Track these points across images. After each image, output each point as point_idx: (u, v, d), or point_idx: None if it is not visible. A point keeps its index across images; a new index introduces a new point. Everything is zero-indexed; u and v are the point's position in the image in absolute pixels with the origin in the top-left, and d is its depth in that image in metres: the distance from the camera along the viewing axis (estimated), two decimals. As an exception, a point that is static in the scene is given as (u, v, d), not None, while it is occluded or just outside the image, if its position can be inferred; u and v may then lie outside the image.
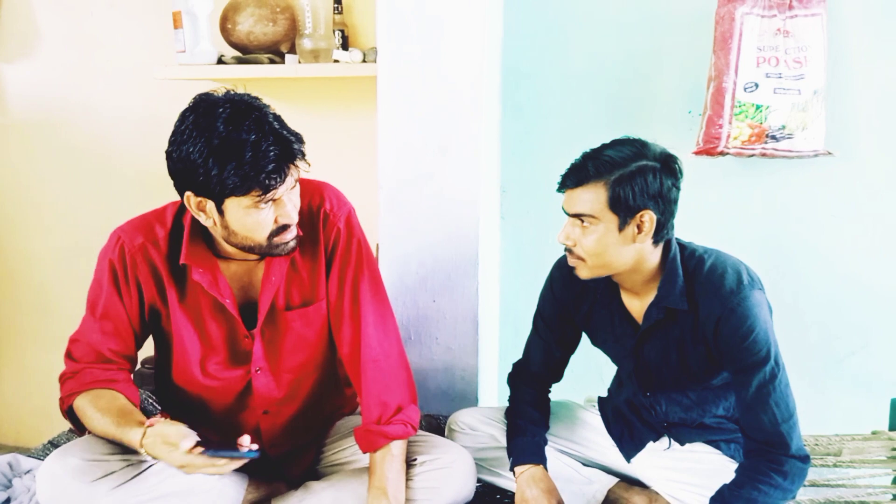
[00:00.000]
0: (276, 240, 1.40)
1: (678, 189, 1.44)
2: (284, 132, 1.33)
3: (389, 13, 1.92)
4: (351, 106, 2.32)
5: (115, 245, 1.50)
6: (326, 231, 1.54)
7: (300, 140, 1.36)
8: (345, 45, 2.21)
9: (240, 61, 2.18)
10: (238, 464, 1.35)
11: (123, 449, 1.43)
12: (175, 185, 1.39)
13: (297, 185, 1.41)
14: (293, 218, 1.40)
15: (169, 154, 1.36)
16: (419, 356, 2.07)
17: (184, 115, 1.35)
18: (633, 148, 1.42)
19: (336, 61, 2.13)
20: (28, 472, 1.65)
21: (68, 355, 1.53)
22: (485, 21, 1.90)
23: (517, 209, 2.35)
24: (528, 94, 2.27)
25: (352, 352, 1.57)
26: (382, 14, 1.92)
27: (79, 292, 2.70)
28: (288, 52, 2.20)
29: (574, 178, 1.43)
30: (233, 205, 1.34)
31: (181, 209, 1.51)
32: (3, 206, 2.80)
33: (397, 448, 1.54)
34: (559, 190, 1.47)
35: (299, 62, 2.15)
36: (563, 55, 2.24)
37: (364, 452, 1.57)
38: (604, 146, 1.44)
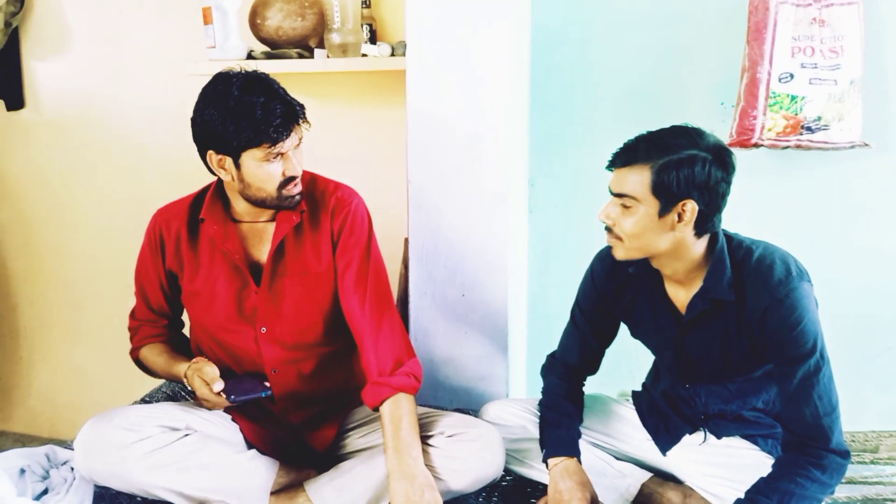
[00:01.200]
0: (285, 191, 1.60)
1: (728, 183, 1.42)
2: (289, 98, 1.57)
3: (418, 7, 1.92)
4: (379, 100, 2.31)
5: (151, 220, 1.76)
6: (335, 213, 1.70)
7: (302, 106, 1.58)
8: (373, 39, 2.21)
9: (269, 56, 2.18)
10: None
11: (159, 417, 1.60)
12: (198, 148, 1.61)
13: (301, 145, 1.61)
14: (298, 171, 1.60)
15: (193, 120, 1.59)
16: (448, 350, 2.06)
17: (205, 88, 1.58)
18: (687, 136, 1.40)
19: (364, 55, 2.13)
20: (65, 463, 1.67)
21: (131, 314, 1.84)
22: (514, 14, 1.89)
23: (545, 202, 2.34)
24: (556, 87, 2.26)
25: (356, 322, 1.69)
26: (411, 8, 1.92)
27: (109, 288, 2.77)
28: (316, 47, 2.20)
29: (624, 157, 1.43)
30: (247, 158, 1.55)
31: (207, 187, 1.74)
32: (35, 203, 2.84)
33: (404, 407, 1.59)
34: (608, 167, 1.47)
35: (328, 57, 2.15)
36: (592, 48, 2.22)
37: (371, 409, 1.63)
38: (661, 130, 1.43)
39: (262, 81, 1.55)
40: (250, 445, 1.69)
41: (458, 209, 1.99)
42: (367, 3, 2.22)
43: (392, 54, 2.11)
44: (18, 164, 2.82)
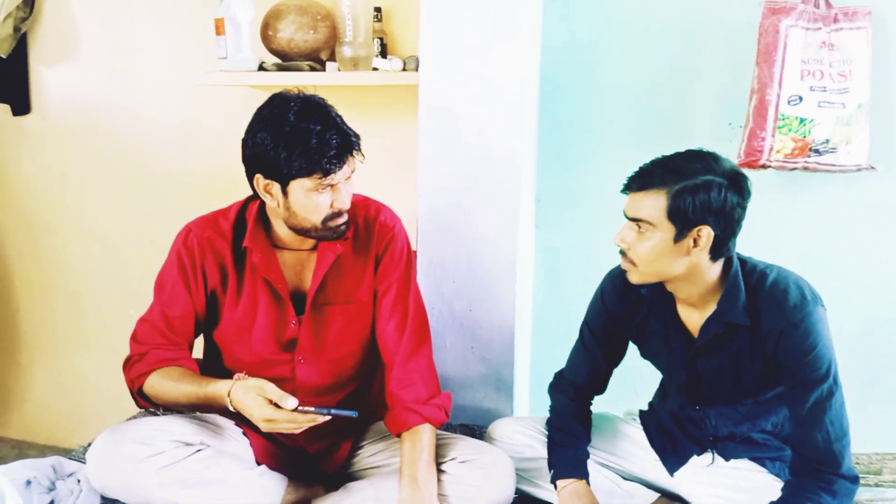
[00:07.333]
0: (330, 223, 1.55)
1: (743, 209, 1.42)
2: (345, 127, 1.51)
3: (432, 22, 1.93)
4: (389, 114, 2.32)
5: (185, 237, 1.65)
6: (379, 238, 1.69)
7: (357, 136, 1.53)
8: (384, 53, 2.21)
9: (280, 68, 2.18)
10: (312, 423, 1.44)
11: (173, 431, 1.54)
12: (246, 170, 1.55)
13: (352, 177, 1.55)
14: (346, 205, 1.56)
15: (244, 141, 1.53)
16: (455, 365, 2.06)
17: (260, 109, 1.53)
18: (703, 161, 1.41)
19: (375, 69, 2.14)
20: (71, 474, 1.66)
21: (133, 338, 1.65)
22: (527, 31, 1.90)
23: (552, 218, 2.34)
24: (565, 105, 2.27)
25: (391, 347, 1.67)
26: (426, 24, 1.93)
27: (112, 296, 2.76)
28: (328, 60, 2.21)
29: (639, 182, 1.43)
30: (296, 187, 1.50)
31: (244, 207, 1.67)
32: (41, 211, 2.83)
33: (427, 438, 1.59)
34: (623, 191, 1.47)
35: (339, 70, 2.15)
36: (601, 66, 2.24)
37: (394, 434, 1.63)
38: (676, 154, 1.44)
39: (319, 108, 1.49)
40: (258, 462, 1.67)
41: (467, 223, 1.99)
42: (379, 17, 2.22)
43: (403, 69, 2.12)
44: (23, 169, 2.81)
